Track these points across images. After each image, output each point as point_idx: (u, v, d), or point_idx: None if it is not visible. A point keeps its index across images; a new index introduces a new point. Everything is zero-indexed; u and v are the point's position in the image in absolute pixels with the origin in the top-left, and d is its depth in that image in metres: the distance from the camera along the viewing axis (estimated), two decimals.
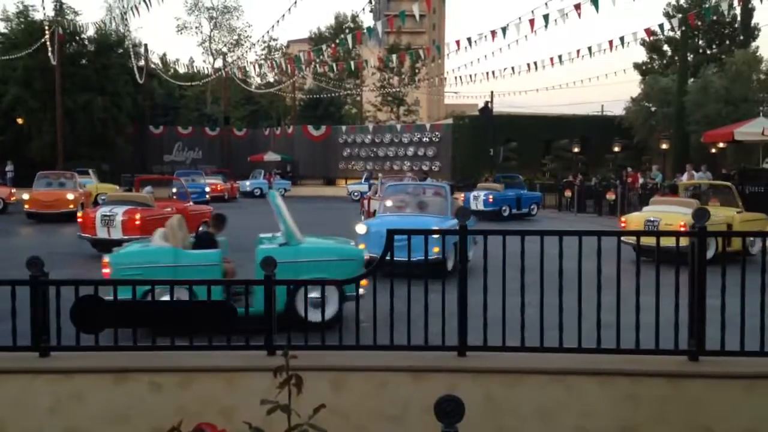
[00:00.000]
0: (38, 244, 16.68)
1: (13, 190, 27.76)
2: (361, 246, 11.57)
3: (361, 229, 12.49)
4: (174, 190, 22.63)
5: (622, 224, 14.28)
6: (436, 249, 11.53)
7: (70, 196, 22.88)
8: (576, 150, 38.01)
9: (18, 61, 38.12)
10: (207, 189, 30.85)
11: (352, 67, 37.21)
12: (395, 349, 4.98)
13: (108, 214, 14.57)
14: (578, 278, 4.91)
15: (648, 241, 5.38)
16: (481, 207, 23.96)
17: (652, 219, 13.23)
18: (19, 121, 40.21)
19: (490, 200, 24.40)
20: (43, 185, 23.65)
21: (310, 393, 4.65)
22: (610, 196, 24.94)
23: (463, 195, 24.98)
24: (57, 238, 18.58)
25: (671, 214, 12.96)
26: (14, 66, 38.95)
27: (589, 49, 21.75)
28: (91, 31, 41.77)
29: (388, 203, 13.55)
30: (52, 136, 39.96)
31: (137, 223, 14.33)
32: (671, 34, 38.70)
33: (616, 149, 36.15)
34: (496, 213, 24.11)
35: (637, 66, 43.85)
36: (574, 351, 4.92)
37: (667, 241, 6.92)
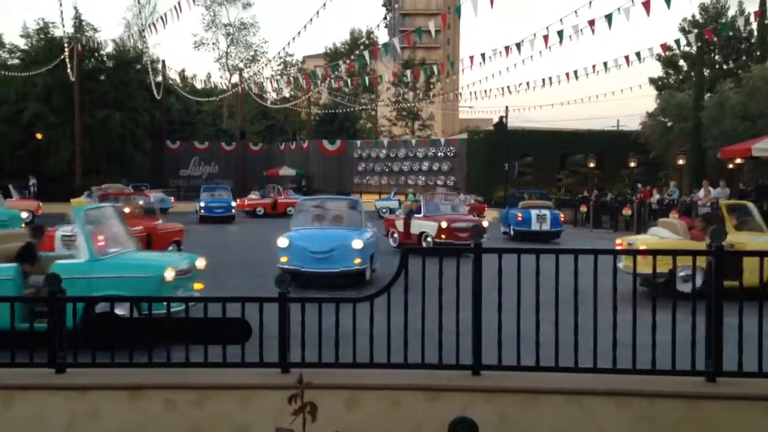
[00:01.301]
0: None
1: (40, 204, 28.43)
2: (283, 259, 12.43)
3: (282, 242, 12.55)
4: (149, 202, 21.33)
5: (618, 245, 13.74)
6: (358, 260, 12.46)
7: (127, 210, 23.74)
8: (591, 165, 37.84)
9: (38, 77, 38.72)
10: (233, 204, 30.87)
11: (367, 83, 37.41)
12: (409, 367, 4.96)
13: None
14: (594, 297, 4.88)
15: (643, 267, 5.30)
16: (547, 227, 21.78)
17: (630, 242, 12.81)
18: (39, 136, 40.77)
19: (562, 219, 22.51)
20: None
21: (324, 411, 4.63)
22: (626, 211, 24.76)
23: (496, 211, 23.31)
24: None
25: (648, 238, 12.53)
26: (34, 82, 39.57)
27: (605, 64, 21.74)
28: (109, 48, 42.39)
29: (302, 217, 13.81)
30: (71, 152, 40.47)
31: None
32: (687, 49, 38.56)
33: (632, 164, 35.95)
34: (558, 233, 22.05)
35: (653, 81, 43.67)
36: (590, 371, 4.88)
37: (645, 267, 7.00)
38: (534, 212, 21.89)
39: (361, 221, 13.52)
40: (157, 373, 4.95)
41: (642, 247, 10.49)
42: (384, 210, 33.76)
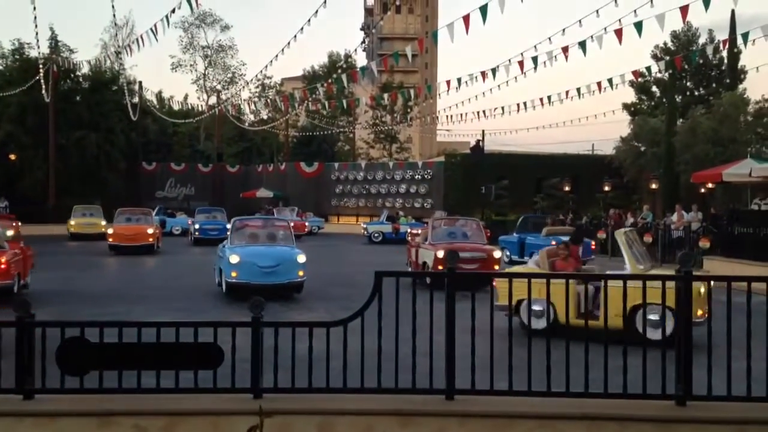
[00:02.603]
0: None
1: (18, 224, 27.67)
2: (233, 274, 13.59)
3: (234, 259, 13.66)
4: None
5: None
6: (301, 273, 13.96)
7: (150, 231, 25.46)
8: (567, 188, 38.30)
9: (12, 98, 38.35)
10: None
11: (345, 105, 37.55)
12: (382, 392, 4.95)
13: None
14: (566, 321, 4.93)
15: None
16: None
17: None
18: (12, 157, 40.26)
19: (593, 247, 21.24)
20: (123, 221, 25.94)
21: None
22: (601, 235, 25.04)
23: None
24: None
25: (520, 268, 12.46)
26: (8, 102, 39.17)
27: (578, 90, 22.07)
28: (85, 69, 42.12)
29: (239, 236, 15.02)
30: (45, 172, 39.99)
31: None
32: (660, 75, 39.36)
33: (607, 188, 36.42)
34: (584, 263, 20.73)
35: (626, 106, 44.44)
36: (562, 395, 4.90)
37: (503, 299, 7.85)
38: (562, 239, 20.03)
39: (292, 239, 15.20)
40: (128, 399, 4.88)
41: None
42: (376, 235, 32.16)
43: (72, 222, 32.37)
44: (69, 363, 4.79)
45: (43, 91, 31.53)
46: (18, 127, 40.10)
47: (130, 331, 4.98)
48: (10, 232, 23.28)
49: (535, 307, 8.92)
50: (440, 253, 15.53)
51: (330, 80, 28.86)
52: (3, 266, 12.64)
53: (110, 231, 25.31)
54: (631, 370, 4.84)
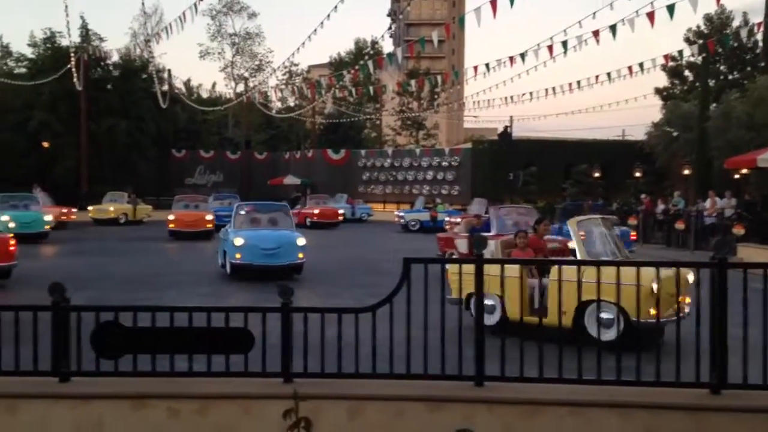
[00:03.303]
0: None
1: (64, 210, 30.31)
2: (237, 255, 14.38)
3: (238, 241, 14.45)
4: None
5: None
6: (301, 255, 14.73)
7: (208, 217, 26.59)
8: (596, 175, 37.84)
9: (44, 86, 38.91)
10: None
11: (371, 92, 37.46)
12: (411, 378, 4.96)
13: None
14: (597, 308, 4.88)
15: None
16: None
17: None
18: (45, 144, 40.94)
19: (633, 237, 20.26)
20: (181, 207, 27.18)
21: (326, 421, 4.66)
22: (632, 221, 24.71)
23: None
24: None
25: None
26: (40, 91, 39.76)
27: (608, 74, 21.77)
28: (115, 57, 42.59)
29: (241, 220, 15.73)
30: (77, 160, 40.63)
31: None
32: (692, 59, 38.57)
33: (638, 174, 35.91)
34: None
35: (658, 91, 43.68)
36: (594, 383, 4.87)
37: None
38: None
39: (291, 223, 15.94)
40: (161, 382, 4.95)
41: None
42: (413, 223, 30.71)
43: (90, 208, 34.04)
44: (103, 346, 4.86)
45: (75, 80, 32.00)
46: (51, 115, 40.73)
47: (162, 316, 5.05)
48: (48, 217, 24.58)
49: (487, 302, 7.95)
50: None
51: (356, 67, 28.82)
52: (12, 248, 13.71)
53: (171, 217, 26.02)
54: (665, 359, 4.78)
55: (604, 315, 6.89)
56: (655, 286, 5.25)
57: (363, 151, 48.17)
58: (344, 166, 46.68)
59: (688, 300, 7.50)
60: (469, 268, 4.74)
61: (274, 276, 13.43)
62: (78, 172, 40.59)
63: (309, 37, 17.97)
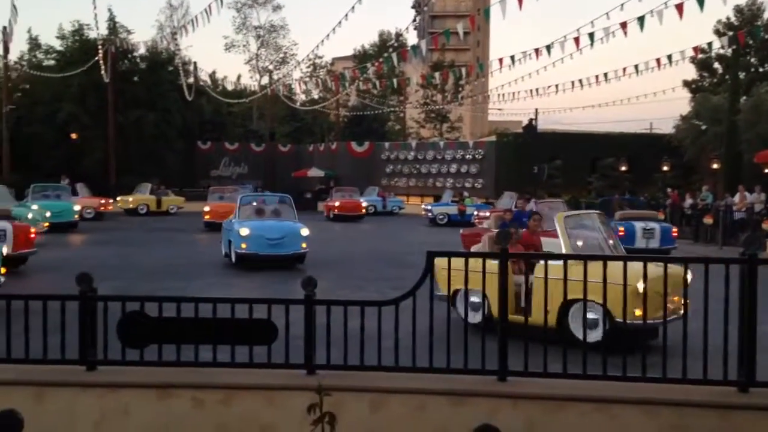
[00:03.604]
0: None
1: (102, 201, 31.82)
2: (243, 245, 14.89)
3: (244, 231, 14.94)
4: None
5: None
6: (304, 245, 15.24)
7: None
8: (623, 168, 37.39)
9: (73, 79, 39.38)
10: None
11: (395, 85, 37.35)
12: (434, 371, 4.95)
13: None
14: (623, 305, 4.82)
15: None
16: (655, 244, 17.71)
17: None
18: (73, 136, 41.48)
19: (675, 233, 18.92)
20: (216, 199, 28.46)
21: (348, 413, 4.67)
22: (659, 216, 24.40)
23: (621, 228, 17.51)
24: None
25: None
26: (69, 83, 40.25)
27: (636, 67, 21.44)
28: (142, 50, 42.94)
29: (245, 211, 16.18)
30: (104, 152, 41.13)
31: None
32: (722, 51, 37.89)
33: (665, 168, 35.44)
34: (669, 251, 17.75)
35: (687, 83, 42.98)
36: (619, 379, 4.81)
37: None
38: (638, 225, 18.00)
39: (294, 214, 16.35)
40: (186, 372, 5.00)
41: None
42: (441, 217, 29.97)
43: (118, 198, 35.41)
44: (129, 336, 4.92)
45: (102, 72, 32.33)
46: (79, 107, 41.23)
47: (187, 306, 5.09)
48: (77, 207, 25.64)
49: (473, 299, 7.61)
50: (248, 210, 16.23)
51: (380, 59, 28.73)
52: (32, 236, 14.74)
53: (206, 209, 26.49)
54: (691, 356, 4.71)
55: (589, 315, 6.54)
56: (641, 286, 5.00)
57: (387, 144, 48.11)
58: (368, 159, 46.67)
59: (676, 299, 6.94)
60: (458, 264, 4.65)
61: (279, 266, 14.46)
62: (106, 164, 41.09)
63: (333, 29, 17.99)
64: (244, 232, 14.95)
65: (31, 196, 24.42)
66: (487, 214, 20.88)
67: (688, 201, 25.44)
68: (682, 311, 5.05)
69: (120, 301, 5.07)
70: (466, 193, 36.08)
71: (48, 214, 21.95)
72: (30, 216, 19.00)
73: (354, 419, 4.68)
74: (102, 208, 31.18)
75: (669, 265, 5.08)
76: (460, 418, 4.57)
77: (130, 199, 34.75)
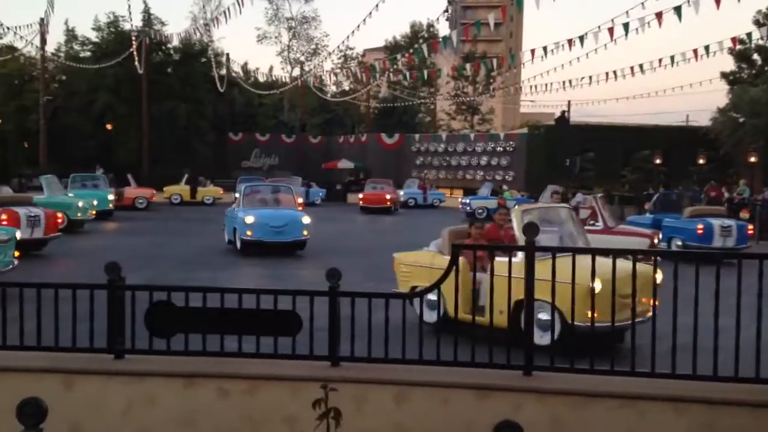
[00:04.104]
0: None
1: (154, 191, 33.21)
2: (249, 233, 15.65)
3: (249, 219, 15.74)
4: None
5: None
6: (306, 232, 16.01)
7: (388, 196, 32.74)
8: (657, 161, 36.78)
9: (108, 70, 39.99)
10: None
11: (425, 76, 37.15)
12: (459, 365, 4.91)
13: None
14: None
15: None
16: (732, 243, 16.26)
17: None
18: (108, 127, 42.16)
19: (750, 232, 17.52)
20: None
21: (373, 405, 4.67)
22: (650, 207, 23.83)
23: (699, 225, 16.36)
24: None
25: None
26: (104, 74, 40.88)
27: (672, 58, 21.01)
28: (176, 41, 43.40)
29: (248, 200, 17.01)
30: (138, 142, 41.73)
31: None
32: (761, 42, 36.95)
33: (701, 161, 34.78)
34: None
35: (724, 75, 42.04)
36: (647, 375, 4.72)
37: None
38: (716, 223, 16.55)
39: (295, 203, 17.63)
40: (211, 362, 5.03)
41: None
42: (480, 211, 28.11)
43: (164, 189, 36.37)
44: (156, 325, 4.97)
45: (137, 63, 32.76)
46: (114, 97, 41.88)
47: (213, 297, 5.12)
48: (111, 197, 26.63)
49: (431, 297, 6.71)
50: (250, 199, 17.13)
51: (410, 51, 28.61)
52: (60, 220, 16.23)
53: (360, 196, 26.85)
54: (722, 353, 4.60)
55: (541, 316, 6.28)
56: (597, 285, 4.67)
57: (417, 136, 47.98)
58: (397, 151, 46.60)
59: (644, 299, 6.45)
60: (420, 260, 4.51)
61: (293, 256, 15.41)
62: (139, 154, 41.69)
63: (363, 20, 17.91)
64: (250, 220, 15.66)
65: (71, 186, 25.35)
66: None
67: (725, 194, 24.91)
68: (650, 313, 4.88)
69: (147, 291, 5.12)
70: (505, 187, 35.07)
71: (95, 202, 23.30)
72: (81, 204, 21.04)
73: (378, 411, 4.68)
74: (153, 197, 32.61)
75: (638, 263, 4.88)
76: (484, 413, 4.52)
77: (163, 189, 35.40)
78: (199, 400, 4.83)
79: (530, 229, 4.79)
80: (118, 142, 42.36)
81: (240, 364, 5.00)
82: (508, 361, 4.86)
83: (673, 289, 4.69)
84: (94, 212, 22.38)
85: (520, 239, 7.35)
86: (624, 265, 5.36)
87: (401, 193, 36.84)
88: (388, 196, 33.62)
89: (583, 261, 4.85)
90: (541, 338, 5.48)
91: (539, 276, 4.65)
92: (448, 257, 7.24)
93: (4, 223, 14.26)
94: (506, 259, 4.89)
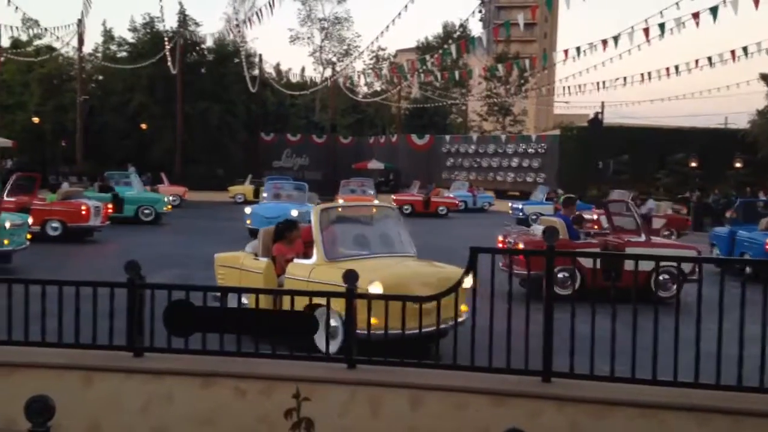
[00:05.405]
0: None
1: (186, 189, 34.42)
2: (248, 222, 18.42)
3: (248, 210, 18.95)
4: None
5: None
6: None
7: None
8: (693, 164, 36.09)
9: (143, 70, 40.60)
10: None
11: (456, 77, 37.00)
12: (476, 370, 4.85)
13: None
14: (676, 306, 4.61)
15: None
16: None
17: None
18: (143, 126, 42.80)
19: None
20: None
21: (388, 409, 4.64)
22: (730, 214, 23.34)
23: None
24: None
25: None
26: (140, 74, 41.51)
27: (709, 59, 20.59)
28: (209, 42, 43.90)
29: (268, 195, 20.66)
30: (172, 142, 42.29)
31: None
32: None
33: (738, 165, 34.04)
34: None
35: (764, 77, 41.03)
36: (669, 384, 4.61)
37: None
38: None
39: (305, 199, 19.70)
40: (228, 362, 5.05)
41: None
42: (534, 216, 24.58)
43: (229, 188, 37.75)
44: (175, 324, 5.00)
45: (169, 63, 33.19)
46: (149, 97, 42.52)
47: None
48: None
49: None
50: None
51: (439, 52, 28.48)
52: (84, 213, 17.76)
53: (340, 201, 27.09)
54: (748, 362, 4.47)
55: (332, 322, 5.81)
56: (375, 289, 4.45)
57: (447, 137, 47.80)
58: (428, 152, 46.48)
59: (463, 308, 6.16)
60: (232, 261, 4.39)
61: None
62: (173, 154, 42.26)
63: (393, 20, 17.89)
64: (248, 210, 19.14)
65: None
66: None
67: (762, 198, 24.30)
68: (461, 318, 4.73)
69: (166, 290, 5.15)
70: (560, 191, 30.89)
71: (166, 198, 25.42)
72: (165, 199, 24.04)
73: (393, 415, 4.64)
74: (185, 195, 33.85)
75: (445, 267, 4.76)
76: (501, 419, 4.45)
77: (245, 189, 36.15)
78: (217, 400, 4.85)
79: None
80: (152, 142, 42.97)
81: (256, 364, 5.01)
82: (526, 366, 4.79)
83: (696, 296, 4.58)
84: (170, 206, 24.74)
85: (318, 248, 6.94)
86: (423, 268, 5.39)
87: (452, 195, 33.95)
88: (416, 198, 31.68)
89: (376, 263, 4.73)
90: (333, 345, 5.19)
91: (328, 280, 4.48)
92: (261, 259, 7.46)
93: (84, 212, 17.61)
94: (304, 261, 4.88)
